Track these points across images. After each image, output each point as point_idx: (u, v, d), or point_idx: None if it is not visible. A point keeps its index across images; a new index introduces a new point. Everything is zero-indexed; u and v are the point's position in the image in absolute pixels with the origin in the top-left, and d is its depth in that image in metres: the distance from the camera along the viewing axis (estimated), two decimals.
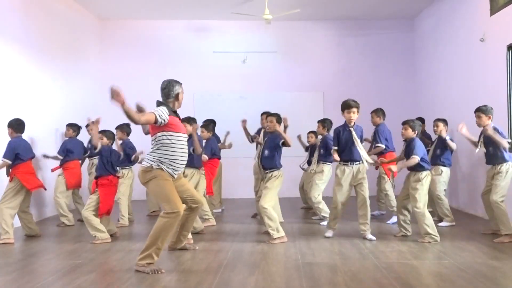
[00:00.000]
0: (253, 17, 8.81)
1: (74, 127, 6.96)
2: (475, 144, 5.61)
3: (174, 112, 4.31)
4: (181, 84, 4.40)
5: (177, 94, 4.34)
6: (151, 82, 9.78)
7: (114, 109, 9.55)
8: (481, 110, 5.40)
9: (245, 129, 7.40)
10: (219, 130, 7.86)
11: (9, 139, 5.70)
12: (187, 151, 4.33)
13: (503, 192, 5.21)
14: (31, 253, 4.99)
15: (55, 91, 7.90)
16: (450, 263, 4.27)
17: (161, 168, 4.14)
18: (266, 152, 5.47)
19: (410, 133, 5.37)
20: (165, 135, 4.16)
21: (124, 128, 6.84)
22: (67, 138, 6.88)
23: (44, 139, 7.07)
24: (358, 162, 5.41)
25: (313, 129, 7.78)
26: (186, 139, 4.35)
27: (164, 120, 4.11)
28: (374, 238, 5.33)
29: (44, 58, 7.56)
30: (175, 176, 4.25)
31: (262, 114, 7.12)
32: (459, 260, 4.36)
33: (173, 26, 10.09)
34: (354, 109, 5.38)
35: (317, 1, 8.90)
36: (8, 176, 5.67)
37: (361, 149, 5.39)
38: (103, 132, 5.83)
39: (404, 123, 5.48)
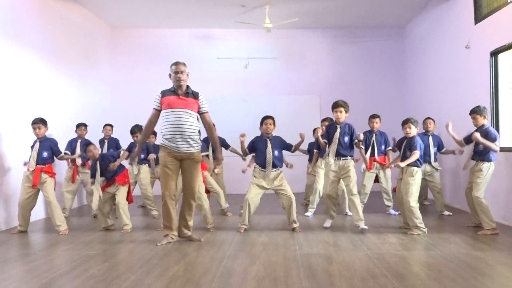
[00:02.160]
0: (254, 25, 8.82)
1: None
2: (460, 143, 5.62)
3: (172, 92, 4.72)
4: (171, 65, 4.83)
5: (169, 75, 4.79)
6: (158, 87, 9.76)
7: (123, 112, 9.69)
8: (475, 112, 5.35)
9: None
10: (223, 131, 7.86)
11: (32, 138, 5.72)
12: (179, 124, 4.60)
13: (483, 189, 5.21)
14: (49, 244, 5.00)
15: (69, 94, 7.93)
16: (437, 254, 4.28)
17: (163, 145, 4.65)
18: (276, 152, 5.56)
19: (414, 130, 5.35)
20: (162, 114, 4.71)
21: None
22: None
23: (60, 139, 7.05)
24: (345, 158, 5.47)
25: (310, 130, 7.76)
26: (177, 113, 4.62)
27: (158, 106, 4.71)
28: (366, 227, 5.35)
29: (59, 64, 7.58)
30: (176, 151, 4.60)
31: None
32: (445, 251, 4.37)
33: (180, 34, 10.11)
34: (341, 108, 5.48)
35: (314, 11, 8.91)
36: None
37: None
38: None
39: (406, 121, 5.38)
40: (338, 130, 5.48)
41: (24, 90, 6.50)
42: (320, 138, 5.70)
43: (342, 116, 5.48)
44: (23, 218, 5.58)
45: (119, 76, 9.98)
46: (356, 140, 5.43)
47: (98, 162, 5.63)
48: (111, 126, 7.69)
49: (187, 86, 4.76)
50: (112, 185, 5.65)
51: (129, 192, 5.78)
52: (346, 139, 5.47)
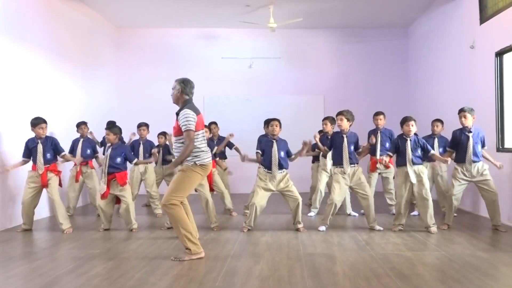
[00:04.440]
0: (258, 25, 8.82)
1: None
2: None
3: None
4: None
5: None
6: (163, 87, 9.84)
7: (126, 110, 9.71)
8: (466, 111, 5.39)
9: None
10: (226, 130, 7.86)
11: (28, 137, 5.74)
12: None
13: None
14: (54, 243, 5.03)
15: (75, 93, 7.96)
16: (441, 255, 4.26)
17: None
18: (282, 153, 5.55)
19: (415, 128, 5.44)
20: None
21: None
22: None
23: (64, 138, 7.12)
24: (354, 165, 5.54)
25: (314, 130, 7.76)
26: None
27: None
28: (381, 228, 5.49)
29: (64, 63, 7.61)
30: None
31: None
32: (449, 252, 4.36)
33: (184, 34, 10.12)
34: (341, 116, 5.55)
35: (318, 11, 8.90)
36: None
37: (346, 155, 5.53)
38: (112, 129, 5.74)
39: (409, 119, 5.41)
40: (345, 139, 5.53)
41: (29, 89, 6.53)
42: (319, 143, 5.82)
43: (343, 124, 5.53)
44: (27, 216, 5.61)
45: (124, 75, 10.01)
46: (359, 150, 5.63)
47: (111, 148, 5.63)
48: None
49: (183, 103, 4.23)
50: (111, 181, 5.59)
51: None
52: (352, 147, 5.57)
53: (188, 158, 4.14)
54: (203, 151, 4.21)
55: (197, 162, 4.15)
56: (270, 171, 5.51)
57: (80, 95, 8.16)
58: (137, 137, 7.27)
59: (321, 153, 6.70)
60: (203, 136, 4.27)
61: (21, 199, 5.64)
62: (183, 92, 4.24)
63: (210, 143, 6.68)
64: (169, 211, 4.10)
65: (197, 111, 4.20)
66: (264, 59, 10.07)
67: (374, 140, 5.98)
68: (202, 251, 4.22)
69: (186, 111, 4.10)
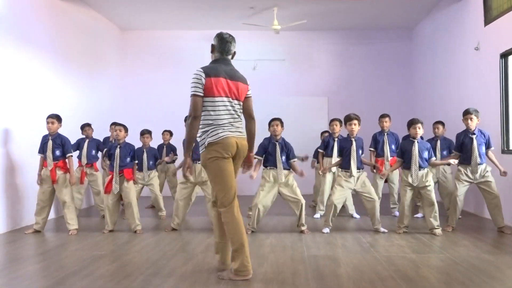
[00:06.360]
0: (262, 27, 8.83)
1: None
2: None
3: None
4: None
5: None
6: (167, 88, 9.93)
7: (131, 112, 9.71)
8: (472, 113, 5.37)
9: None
10: None
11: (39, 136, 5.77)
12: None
13: None
14: (59, 244, 5.04)
15: (80, 95, 7.99)
16: (446, 257, 4.24)
17: None
18: (283, 158, 5.52)
19: (422, 131, 5.41)
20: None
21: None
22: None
23: (69, 139, 7.15)
24: (359, 170, 5.51)
25: (318, 132, 7.74)
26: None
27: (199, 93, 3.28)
28: (386, 230, 5.48)
29: (69, 65, 7.64)
30: None
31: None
32: (454, 254, 4.33)
33: (188, 36, 10.14)
34: (355, 121, 5.49)
35: (322, 13, 8.89)
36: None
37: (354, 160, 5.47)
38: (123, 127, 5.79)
39: (417, 122, 5.37)
40: (354, 143, 5.51)
41: (34, 92, 6.55)
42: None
43: (356, 129, 5.51)
44: (41, 216, 5.63)
45: (129, 77, 10.05)
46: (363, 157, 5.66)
47: (119, 148, 5.63)
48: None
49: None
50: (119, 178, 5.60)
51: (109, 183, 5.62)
52: (360, 151, 5.55)
53: (201, 139, 3.29)
54: (212, 124, 3.27)
55: (206, 143, 3.27)
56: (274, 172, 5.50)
57: (85, 97, 8.18)
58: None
59: (321, 154, 6.76)
60: (225, 105, 3.35)
61: (32, 199, 5.68)
62: (214, 50, 3.53)
63: None
64: (222, 220, 3.50)
65: (213, 71, 3.30)
66: (268, 61, 10.08)
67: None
68: (248, 271, 3.47)
69: (195, 71, 3.32)
